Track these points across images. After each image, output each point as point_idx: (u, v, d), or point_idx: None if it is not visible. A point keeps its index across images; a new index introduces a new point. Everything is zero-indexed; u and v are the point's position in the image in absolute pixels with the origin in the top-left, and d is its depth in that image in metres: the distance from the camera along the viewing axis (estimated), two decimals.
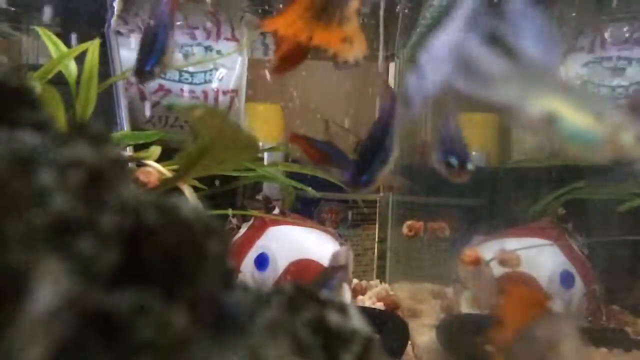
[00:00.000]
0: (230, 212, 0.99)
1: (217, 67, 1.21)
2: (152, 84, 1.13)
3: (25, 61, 1.19)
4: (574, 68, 1.18)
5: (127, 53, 1.08)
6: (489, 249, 0.96)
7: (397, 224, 1.33)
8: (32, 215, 0.19)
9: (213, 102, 1.20)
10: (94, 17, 1.08)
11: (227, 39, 1.23)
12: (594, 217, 1.12)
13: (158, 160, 0.76)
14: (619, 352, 0.86)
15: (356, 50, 0.52)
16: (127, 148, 0.88)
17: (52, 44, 0.86)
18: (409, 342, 0.86)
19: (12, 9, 1.14)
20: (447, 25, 0.44)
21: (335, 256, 0.89)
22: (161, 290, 0.22)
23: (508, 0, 0.42)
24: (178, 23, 1.18)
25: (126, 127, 1.04)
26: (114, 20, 1.10)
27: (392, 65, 1.40)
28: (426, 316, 1.05)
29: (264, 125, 1.33)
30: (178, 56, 1.18)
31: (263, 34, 1.29)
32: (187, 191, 0.71)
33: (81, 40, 0.85)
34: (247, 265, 0.95)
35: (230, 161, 0.68)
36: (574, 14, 1.18)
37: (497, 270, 0.93)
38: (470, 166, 0.68)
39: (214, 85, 1.21)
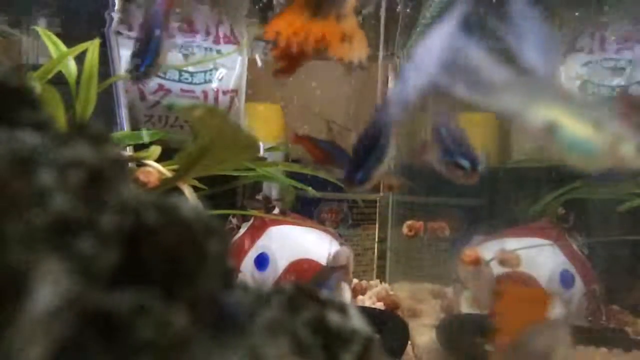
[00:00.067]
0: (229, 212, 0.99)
1: (217, 66, 1.21)
2: (152, 84, 1.13)
3: (25, 61, 1.19)
4: (574, 68, 1.18)
5: (127, 53, 1.08)
6: (489, 249, 0.96)
7: (397, 224, 1.33)
8: (32, 215, 0.19)
9: (213, 102, 1.20)
10: (94, 17, 1.08)
11: (227, 40, 1.23)
12: (594, 217, 1.12)
13: (158, 160, 0.76)
14: (619, 352, 0.86)
15: (357, 50, 0.52)
16: (127, 148, 0.88)
17: (52, 44, 0.86)
18: (409, 342, 0.86)
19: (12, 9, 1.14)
20: (433, 31, 0.44)
21: (332, 256, 0.89)
22: (161, 290, 0.22)
23: (509, 7, 0.42)
24: (177, 24, 1.18)
25: (126, 127, 1.04)
26: (114, 20, 1.10)
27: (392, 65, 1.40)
28: (426, 316, 1.05)
29: (264, 125, 1.33)
30: (178, 56, 1.18)
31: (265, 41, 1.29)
32: (187, 191, 0.71)
33: (81, 40, 0.85)
34: (247, 265, 0.95)
35: (230, 161, 0.68)
36: (576, 14, 1.18)
37: (497, 270, 0.94)
38: (480, 167, 0.67)
39: (214, 85, 1.21)
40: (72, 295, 0.19)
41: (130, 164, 0.75)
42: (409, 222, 1.16)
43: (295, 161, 1.19)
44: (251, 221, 1.03)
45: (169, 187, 0.68)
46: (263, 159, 1.12)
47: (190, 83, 1.19)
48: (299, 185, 1.02)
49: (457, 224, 1.19)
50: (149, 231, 0.23)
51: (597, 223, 1.10)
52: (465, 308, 0.98)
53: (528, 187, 1.16)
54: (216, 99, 1.21)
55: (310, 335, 0.25)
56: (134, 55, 0.75)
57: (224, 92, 1.22)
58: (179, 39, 1.18)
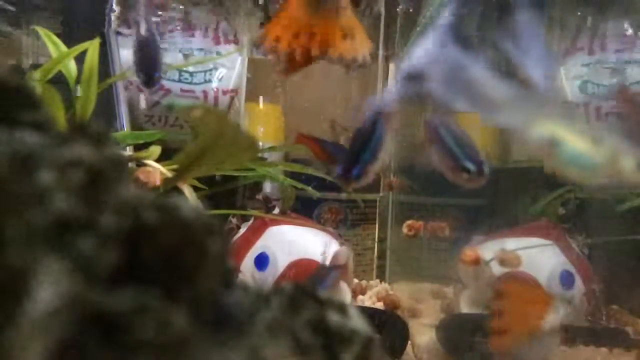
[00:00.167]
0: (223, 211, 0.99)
1: (217, 66, 1.21)
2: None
3: (25, 61, 1.19)
4: (574, 68, 1.18)
5: (127, 53, 1.08)
6: (489, 249, 0.96)
7: (397, 224, 1.33)
8: (32, 215, 0.19)
9: (213, 102, 1.20)
10: (94, 17, 1.08)
11: (227, 40, 1.23)
12: (594, 217, 1.12)
13: (158, 160, 0.76)
14: (619, 352, 0.86)
15: (360, 45, 0.52)
16: (127, 148, 0.88)
17: (52, 44, 0.86)
18: (409, 342, 0.86)
19: (12, 8, 1.14)
20: (425, 37, 0.44)
21: (328, 255, 0.89)
22: (161, 290, 0.22)
23: (511, 23, 0.42)
24: (178, 25, 1.18)
25: (126, 127, 1.04)
26: (114, 21, 1.10)
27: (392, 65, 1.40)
28: (426, 316, 1.05)
29: (264, 125, 1.33)
30: (178, 56, 1.18)
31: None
32: (187, 191, 0.71)
33: (81, 40, 0.85)
34: (247, 265, 0.95)
35: (230, 161, 0.68)
36: (579, 13, 1.18)
37: (497, 270, 0.94)
38: (487, 170, 0.66)
39: (214, 85, 1.21)
40: (72, 295, 0.19)
41: (130, 164, 0.75)
42: (409, 222, 1.16)
43: (295, 161, 1.19)
44: (251, 221, 1.03)
45: (169, 187, 0.67)
46: (263, 159, 1.12)
47: (190, 83, 1.19)
48: (299, 185, 1.02)
49: (457, 224, 1.19)
50: (149, 231, 0.23)
51: (597, 223, 1.10)
52: (465, 308, 0.98)
53: (528, 187, 1.16)
54: (216, 99, 1.21)
55: (310, 335, 0.25)
56: (140, 66, 0.77)
57: (224, 92, 1.22)
58: (179, 39, 1.18)
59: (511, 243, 0.95)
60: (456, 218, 1.22)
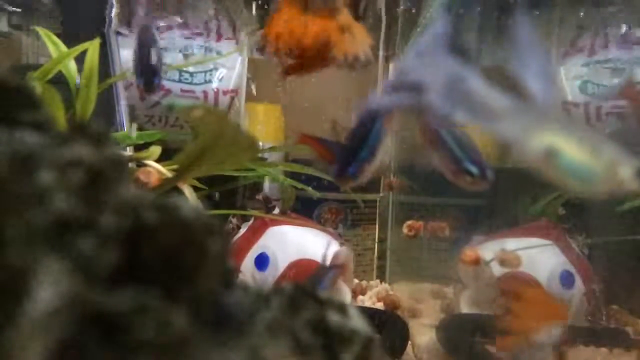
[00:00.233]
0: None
1: (217, 67, 1.21)
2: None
3: (25, 61, 1.19)
4: (574, 68, 1.18)
5: (127, 53, 1.08)
6: (489, 249, 0.96)
7: (397, 224, 1.33)
8: (32, 215, 0.19)
9: (213, 102, 1.20)
10: (94, 17, 1.09)
11: (227, 40, 1.23)
12: (594, 217, 1.12)
13: (158, 160, 0.76)
14: (619, 352, 0.86)
15: (360, 41, 0.52)
16: (127, 148, 0.88)
17: (52, 44, 0.86)
18: (409, 342, 0.86)
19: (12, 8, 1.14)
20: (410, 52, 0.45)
21: (328, 255, 0.89)
22: (161, 290, 0.22)
23: (510, 34, 0.42)
24: (178, 24, 1.18)
25: (126, 127, 1.04)
26: (114, 20, 1.10)
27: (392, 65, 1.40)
28: (426, 316, 1.05)
29: (264, 125, 1.33)
30: (178, 56, 1.18)
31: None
32: (187, 191, 0.71)
33: (81, 40, 0.85)
34: (247, 265, 0.95)
35: (230, 161, 0.68)
36: (581, 14, 1.18)
37: (497, 270, 0.94)
38: (490, 174, 0.65)
39: (214, 85, 1.21)
40: (72, 295, 0.19)
41: (130, 164, 0.75)
42: (409, 222, 1.16)
43: (295, 161, 1.19)
44: (251, 221, 1.03)
45: (169, 187, 0.67)
46: (263, 159, 1.12)
47: (190, 83, 1.19)
48: (299, 185, 1.02)
49: (457, 224, 1.19)
50: (149, 231, 0.23)
51: (597, 223, 1.10)
52: (465, 308, 0.98)
53: (528, 187, 1.16)
54: (216, 99, 1.21)
55: (310, 335, 0.25)
56: (141, 70, 0.78)
57: (224, 92, 1.22)
58: (179, 39, 1.18)
59: (511, 243, 0.95)
60: (456, 218, 1.22)
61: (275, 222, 1.00)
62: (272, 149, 1.20)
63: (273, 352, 0.24)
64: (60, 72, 0.80)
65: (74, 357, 0.20)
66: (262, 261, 0.94)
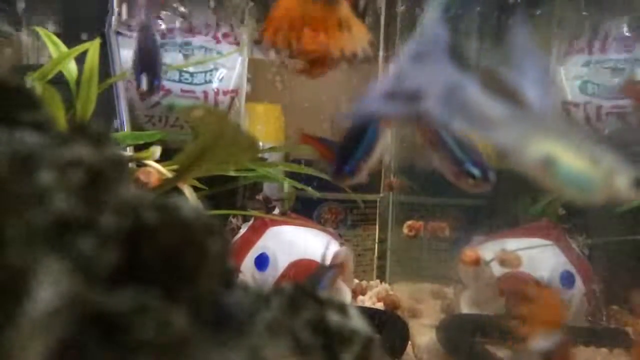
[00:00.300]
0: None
1: (217, 67, 1.21)
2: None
3: (25, 61, 1.19)
4: (574, 68, 1.18)
5: (127, 53, 1.08)
6: (489, 249, 0.96)
7: (397, 224, 1.33)
8: (32, 215, 0.19)
9: (213, 103, 1.20)
10: (94, 17, 1.09)
11: (227, 40, 1.23)
12: (594, 217, 1.12)
13: (158, 161, 0.76)
14: (619, 352, 0.86)
15: (358, 37, 0.52)
16: (127, 148, 0.88)
17: (52, 44, 0.86)
18: (409, 342, 0.86)
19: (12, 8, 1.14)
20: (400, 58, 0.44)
21: (327, 255, 0.89)
22: (161, 290, 0.22)
23: (507, 41, 0.42)
24: (178, 24, 1.18)
25: (126, 127, 1.04)
26: (114, 20, 1.10)
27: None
28: (426, 316, 1.05)
29: (264, 125, 1.33)
30: (178, 56, 1.18)
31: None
32: (187, 191, 0.71)
33: (81, 40, 0.85)
34: (247, 265, 0.95)
35: (230, 161, 0.68)
36: (577, 14, 1.18)
37: (497, 270, 0.94)
38: (492, 176, 0.65)
39: (214, 85, 1.21)
40: (72, 295, 0.19)
41: (130, 164, 0.75)
42: (409, 222, 1.16)
43: (295, 161, 1.19)
44: (251, 221, 1.03)
45: (169, 187, 0.67)
46: (263, 159, 1.12)
47: (191, 83, 1.19)
48: (299, 185, 1.02)
49: (457, 224, 1.19)
50: (149, 231, 0.23)
51: (597, 223, 1.10)
52: (465, 308, 0.98)
53: (528, 187, 1.16)
54: (216, 99, 1.21)
55: (310, 335, 0.25)
56: (140, 71, 0.78)
57: (224, 93, 1.22)
58: (179, 39, 1.18)
59: (511, 243, 0.95)
60: (456, 218, 1.22)
61: (275, 222, 1.00)
62: (272, 149, 1.20)
63: (273, 352, 0.24)
64: (60, 72, 0.80)
65: (74, 357, 0.20)
66: (262, 261, 0.94)
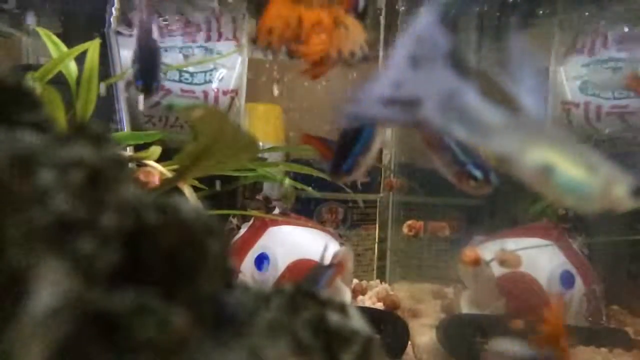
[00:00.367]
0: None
1: (217, 67, 1.21)
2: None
3: (26, 61, 1.19)
4: (574, 68, 1.18)
5: (127, 53, 1.08)
6: (489, 249, 0.96)
7: (397, 224, 1.33)
8: (32, 215, 0.19)
9: (213, 102, 1.20)
10: (94, 17, 1.08)
11: (228, 39, 1.23)
12: (594, 217, 1.12)
13: (158, 160, 0.76)
14: (619, 352, 0.86)
15: (354, 35, 0.52)
16: (127, 148, 0.88)
17: (52, 44, 0.86)
18: (409, 342, 0.86)
19: (13, 8, 1.14)
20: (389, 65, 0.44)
21: (326, 254, 0.89)
22: (161, 290, 0.22)
23: (504, 51, 0.42)
24: (178, 24, 1.18)
25: (126, 127, 1.04)
26: (114, 20, 1.10)
27: None
28: (426, 316, 1.05)
29: (264, 125, 1.33)
30: (178, 56, 1.18)
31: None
32: (187, 191, 0.71)
33: (81, 40, 0.85)
34: (247, 265, 0.95)
35: (230, 161, 0.68)
36: (577, 14, 1.18)
37: (497, 270, 0.94)
38: (494, 178, 0.65)
39: (214, 85, 1.21)
40: (72, 295, 0.19)
41: (130, 164, 0.75)
42: (409, 222, 1.16)
43: (295, 161, 1.19)
44: (251, 221, 1.03)
45: (169, 187, 0.67)
46: (263, 159, 1.12)
47: (191, 83, 1.19)
48: (299, 185, 1.02)
49: (457, 224, 1.19)
50: (149, 231, 0.23)
51: (597, 223, 1.10)
52: (465, 308, 0.98)
53: (528, 187, 1.16)
54: (216, 99, 1.21)
55: (310, 335, 0.25)
56: (140, 72, 0.78)
57: (224, 92, 1.22)
58: (179, 39, 1.18)
59: (511, 243, 0.95)
60: (456, 218, 1.22)
61: (275, 222, 1.00)
62: (272, 149, 1.20)
63: (273, 352, 0.24)
64: (60, 72, 0.80)
65: (74, 357, 0.20)
66: (262, 261, 0.94)
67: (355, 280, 1.22)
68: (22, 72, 0.83)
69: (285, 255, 0.93)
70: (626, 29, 1.14)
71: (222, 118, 0.62)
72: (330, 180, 0.68)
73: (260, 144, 1.21)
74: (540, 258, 0.96)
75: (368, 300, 1.14)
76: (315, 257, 0.90)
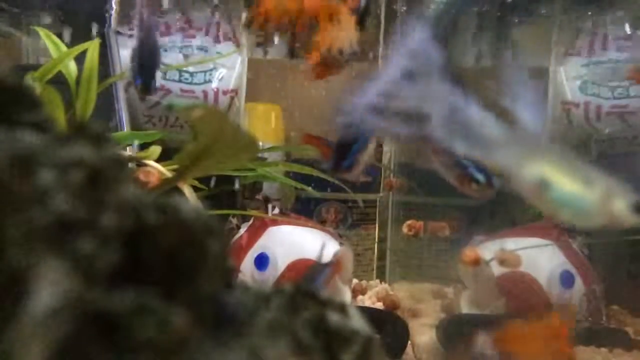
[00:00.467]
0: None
1: (217, 67, 1.21)
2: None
3: (26, 61, 1.19)
4: (574, 68, 1.19)
5: (127, 53, 1.08)
6: (489, 249, 0.96)
7: (397, 224, 1.33)
8: (32, 215, 0.19)
9: (213, 102, 1.20)
10: (94, 17, 1.08)
11: (228, 39, 1.23)
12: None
13: (158, 160, 0.76)
14: (619, 352, 0.86)
15: (345, 30, 0.51)
16: (127, 148, 0.88)
17: (52, 44, 0.86)
18: (409, 342, 0.86)
19: (12, 9, 1.14)
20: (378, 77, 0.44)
21: (324, 254, 0.89)
22: (161, 290, 0.22)
23: (501, 68, 0.42)
24: (178, 24, 1.18)
25: (126, 127, 1.04)
26: (113, 20, 1.10)
27: None
28: (426, 316, 1.05)
29: (264, 125, 1.33)
30: (178, 56, 1.18)
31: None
32: (187, 191, 0.71)
33: (81, 40, 0.85)
34: (247, 265, 0.95)
35: (230, 161, 0.68)
36: (577, 14, 1.18)
37: (497, 270, 0.94)
38: (496, 181, 0.65)
39: (214, 85, 1.21)
40: (72, 295, 0.19)
41: (130, 164, 0.75)
42: (409, 222, 1.16)
43: (295, 161, 1.19)
44: (251, 221, 1.03)
45: (169, 187, 0.67)
46: (263, 159, 1.12)
47: (190, 83, 1.19)
48: (299, 185, 1.02)
49: (457, 223, 1.19)
50: (149, 231, 0.23)
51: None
52: (465, 308, 0.98)
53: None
54: (216, 99, 1.21)
55: (310, 335, 0.25)
56: (140, 71, 0.78)
57: (224, 92, 1.22)
58: (179, 39, 1.18)
59: (511, 243, 0.95)
60: (456, 218, 1.22)
61: (275, 222, 1.00)
62: (272, 148, 1.20)
63: (273, 352, 0.24)
64: (60, 72, 0.80)
65: (74, 357, 0.20)
66: (262, 261, 0.94)
67: (355, 280, 1.22)
68: (22, 72, 0.83)
69: (285, 255, 0.93)
70: (626, 29, 1.14)
71: (222, 118, 0.62)
72: (331, 179, 0.69)
73: (260, 143, 1.21)
74: (540, 258, 0.96)
75: (368, 300, 1.14)
76: (315, 257, 0.90)
